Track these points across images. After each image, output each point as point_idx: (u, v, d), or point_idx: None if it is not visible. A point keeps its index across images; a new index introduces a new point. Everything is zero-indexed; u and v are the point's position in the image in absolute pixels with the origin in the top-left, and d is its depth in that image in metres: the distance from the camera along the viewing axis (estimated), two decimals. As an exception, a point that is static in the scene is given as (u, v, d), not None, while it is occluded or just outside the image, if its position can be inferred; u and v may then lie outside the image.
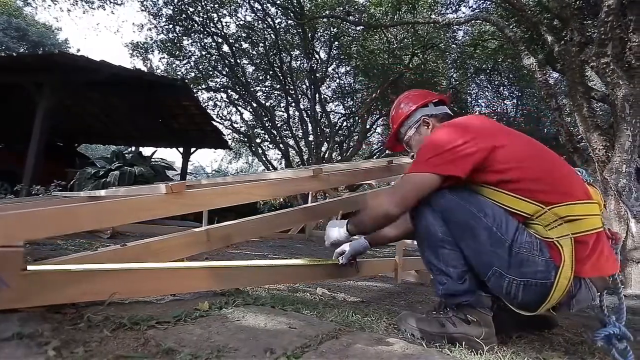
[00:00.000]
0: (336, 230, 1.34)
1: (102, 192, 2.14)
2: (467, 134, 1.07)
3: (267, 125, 11.15)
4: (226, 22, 10.38)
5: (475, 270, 1.07)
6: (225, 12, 10.11)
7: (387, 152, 11.40)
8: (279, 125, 11.70)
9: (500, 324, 1.14)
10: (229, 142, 11.60)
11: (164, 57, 10.69)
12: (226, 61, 10.42)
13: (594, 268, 0.98)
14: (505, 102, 12.57)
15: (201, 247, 1.12)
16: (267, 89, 11.95)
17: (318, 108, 10.97)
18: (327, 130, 11.15)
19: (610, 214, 3.06)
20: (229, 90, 11.27)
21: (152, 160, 6.56)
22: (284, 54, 10.38)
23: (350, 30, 10.27)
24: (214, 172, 22.37)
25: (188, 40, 10.45)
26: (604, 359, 1.09)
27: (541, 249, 0.98)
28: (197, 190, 1.01)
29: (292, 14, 9.76)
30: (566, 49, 3.05)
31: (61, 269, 0.84)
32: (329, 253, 1.60)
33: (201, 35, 10.29)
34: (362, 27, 9.39)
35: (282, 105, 11.79)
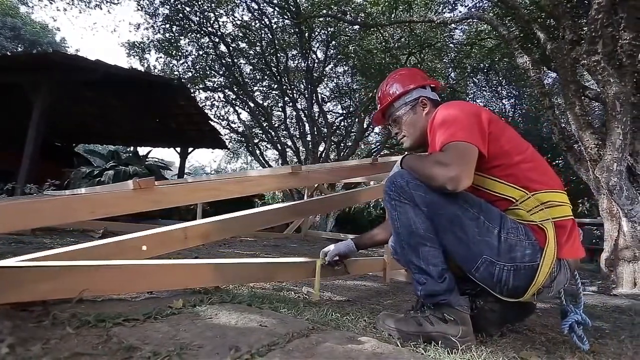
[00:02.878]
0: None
1: (83, 190, 2.13)
2: (484, 114, 1.10)
3: (264, 125, 11.13)
4: (223, 22, 10.38)
5: (458, 265, 1.07)
6: (222, 11, 10.09)
7: (384, 151, 11.40)
8: (276, 125, 11.68)
9: (480, 323, 1.13)
10: (227, 142, 11.61)
11: (160, 57, 10.68)
12: (223, 61, 10.40)
13: (571, 250, 1.04)
14: (503, 101, 12.57)
15: (178, 244, 1.11)
16: (264, 88, 11.94)
17: (315, 108, 10.96)
18: (325, 130, 11.13)
19: (602, 212, 3.05)
20: (226, 90, 11.26)
21: (148, 159, 6.57)
22: (281, 54, 10.36)
23: (347, 29, 10.25)
24: (213, 172, 22.39)
25: (185, 40, 10.45)
26: (584, 359, 1.08)
27: (526, 233, 1.02)
28: (166, 186, 1.00)
29: (288, 14, 9.75)
30: (558, 47, 3.04)
31: (27, 265, 0.83)
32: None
33: (198, 35, 10.27)
34: (359, 26, 9.37)
35: (279, 105, 11.76)
